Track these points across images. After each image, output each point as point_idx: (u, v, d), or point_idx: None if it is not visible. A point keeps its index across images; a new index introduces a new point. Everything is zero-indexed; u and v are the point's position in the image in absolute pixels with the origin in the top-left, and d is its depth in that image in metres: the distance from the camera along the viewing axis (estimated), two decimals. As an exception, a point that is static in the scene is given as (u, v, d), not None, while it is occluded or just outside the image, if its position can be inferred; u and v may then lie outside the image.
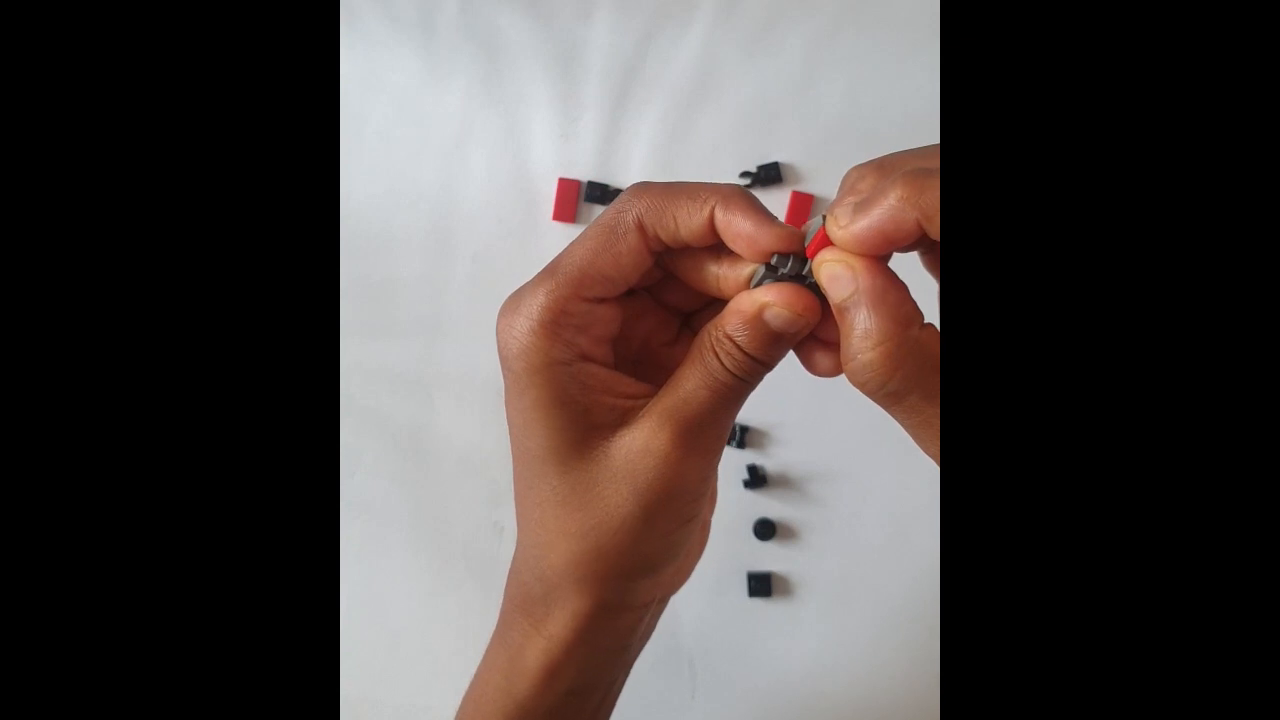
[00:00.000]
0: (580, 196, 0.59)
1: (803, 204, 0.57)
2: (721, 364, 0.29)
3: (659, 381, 0.31)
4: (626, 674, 0.37)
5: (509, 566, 0.35)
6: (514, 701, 0.33)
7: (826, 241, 0.28)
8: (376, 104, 0.61)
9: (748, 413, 0.58)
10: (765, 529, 0.57)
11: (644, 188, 0.30)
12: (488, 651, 0.35)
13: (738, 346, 0.29)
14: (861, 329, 0.26)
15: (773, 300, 0.29)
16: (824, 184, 0.57)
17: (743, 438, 0.57)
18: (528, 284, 0.30)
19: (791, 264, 0.29)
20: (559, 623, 0.32)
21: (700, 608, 0.58)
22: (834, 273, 0.27)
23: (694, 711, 0.58)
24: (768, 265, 0.29)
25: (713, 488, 0.36)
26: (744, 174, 0.58)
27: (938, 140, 0.28)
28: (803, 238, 0.29)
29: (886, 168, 0.28)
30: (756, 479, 0.57)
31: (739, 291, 0.30)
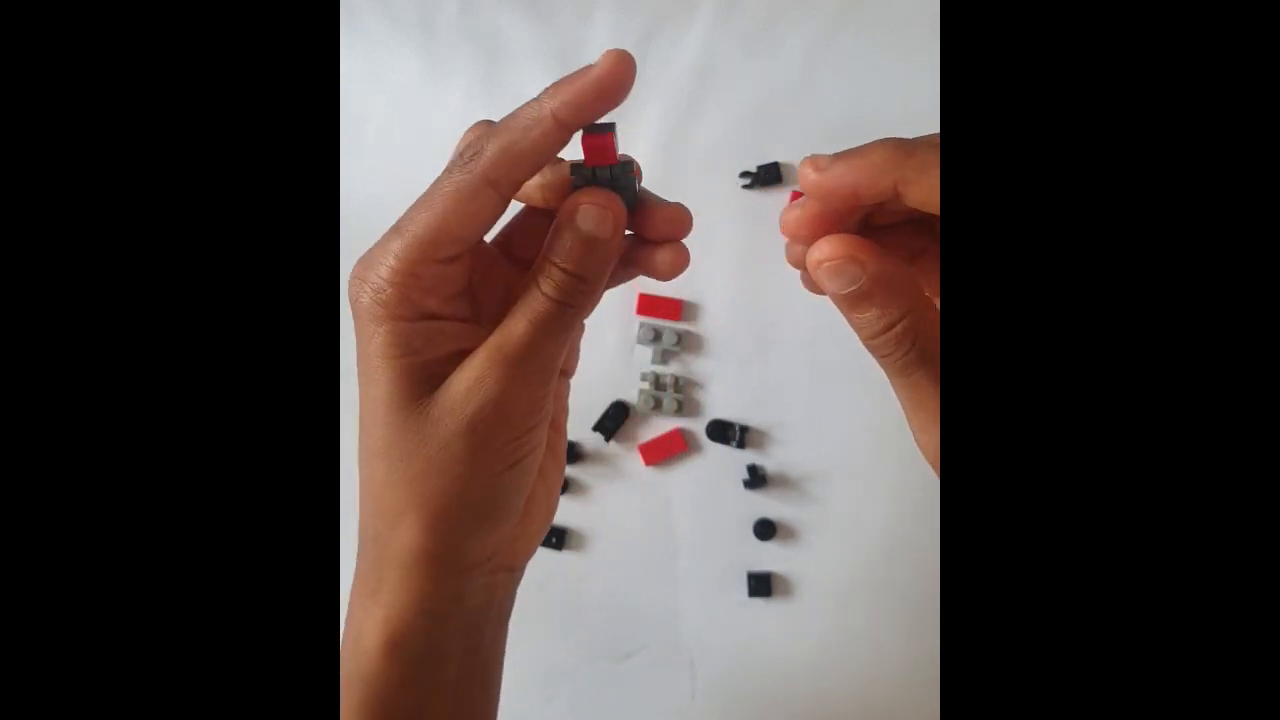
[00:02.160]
0: (580, 196, 0.59)
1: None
2: (540, 290, 0.29)
3: (487, 315, 0.31)
4: (496, 647, 0.36)
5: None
6: (363, 680, 0.32)
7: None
8: (376, 104, 0.61)
9: (748, 412, 0.58)
10: (765, 529, 0.57)
11: (480, 131, 0.30)
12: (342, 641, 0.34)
13: (554, 264, 0.29)
14: (874, 314, 0.27)
15: (580, 201, 0.29)
16: (824, 184, 0.57)
17: (743, 438, 0.57)
18: (377, 244, 0.30)
19: (605, 172, 0.30)
20: (391, 589, 0.31)
21: (700, 608, 0.58)
22: (840, 269, 0.27)
23: (694, 711, 0.58)
24: (573, 166, 0.30)
25: (558, 449, 0.36)
26: (744, 174, 0.58)
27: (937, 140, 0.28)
28: (595, 147, 0.30)
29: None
30: (756, 479, 0.57)
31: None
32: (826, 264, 0.27)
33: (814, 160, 0.28)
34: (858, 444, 0.57)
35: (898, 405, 0.30)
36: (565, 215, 0.30)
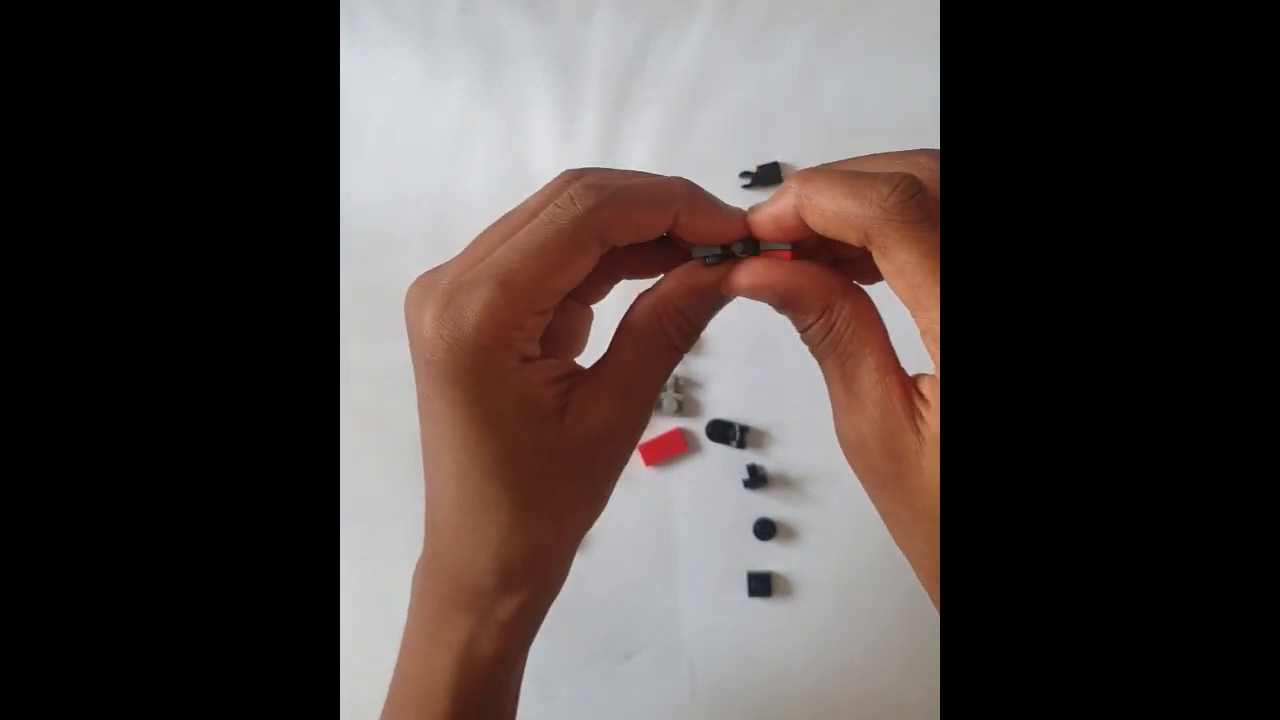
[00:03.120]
0: (580, 196, 0.59)
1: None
2: (672, 343, 0.31)
3: (549, 344, 0.31)
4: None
5: (423, 566, 0.35)
6: (466, 692, 0.33)
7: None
8: (376, 104, 0.61)
9: (748, 413, 0.58)
10: (765, 529, 0.57)
11: (598, 195, 0.29)
12: (416, 656, 0.35)
13: (686, 318, 0.31)
14: (796, 319, 0.30)
15: (737, 270, 0.30)
16: (824, 184, 0.57)
17: (743, 438, 0.57)
18: (470, 283, 0.28)
19: (752, 249, 0.31)
20: (509, 610, 0.33)
21: (700, 608, 0.58)
22: (756, 293, 0.30)
23: (694, 711, 0.58)
24: (723, 247, 0.31)
25: None
26: (744, 174, 0.58)
27: (938, 140, 0.28)
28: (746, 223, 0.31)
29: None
30: (756, 479, 0.57)
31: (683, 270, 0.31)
32: (744, 292, 0.30)
33: (753, 205, 0.30)
34: (858, 444, 0.57)
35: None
36: (708, 281, 0.31)
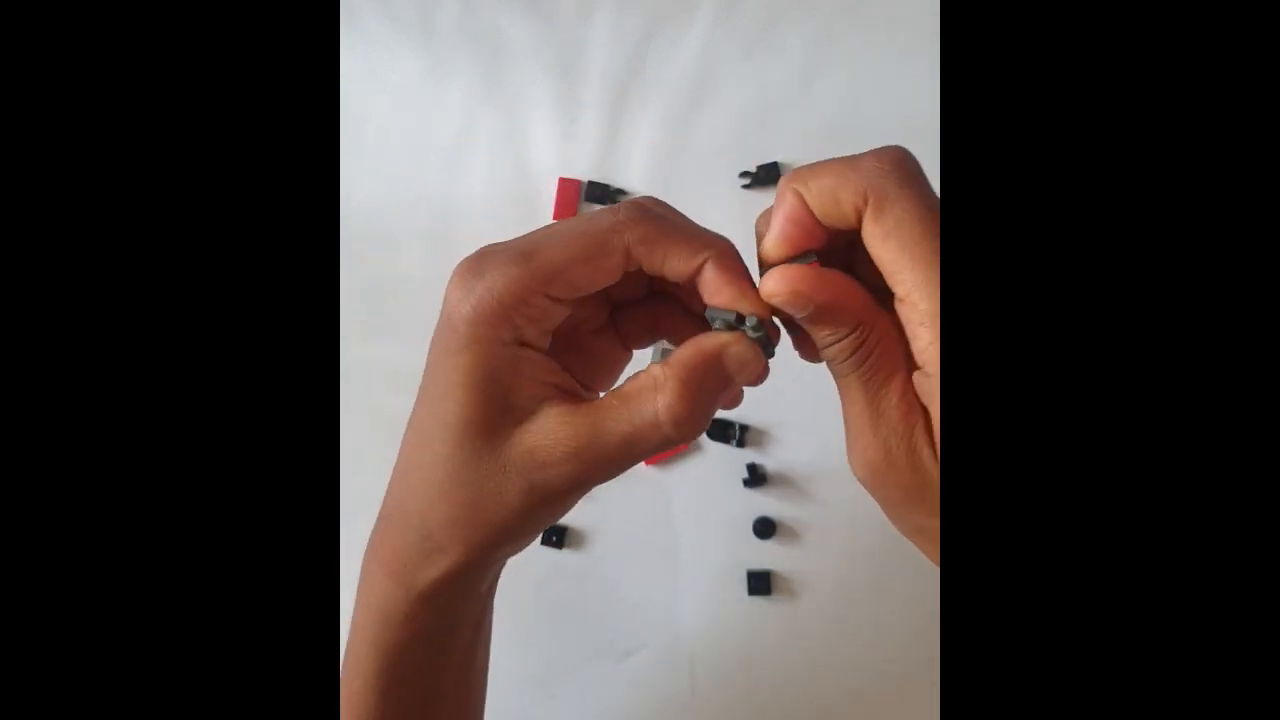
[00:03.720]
0: (580, 196, 0.59)
1: (802, 204, 0.57)
2: (658, 418, 0.30)
3: (575, 366, 0.33)
4: (490, 618, 0.39)
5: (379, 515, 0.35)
6: (383, 650, 0.34)
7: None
8: (377, 104, 0.61)
9: (748, 413, 0.58)
10: (765, 527, 0.57)
11: (643, 214, 0.31)
12: (354, 616, 0.36)
13: (689, 389, 0.30)
14: (825, 333, 0.29)
15: (735, 342, 0.30)
16: (824, 184, 0.57)
17: (743, 437, 0.57)
18: (498, 253, 0.30)
19: (761, 333, 0.30)
20: (425, 579, 0.33)
21: (700, 607, 0.58)
22: (789, 301, 0.29)
23: (694, 710, 0.58)
24: (738, 315, 0.30)
25: None
26: (744, 174, 0.58)
27: (937, 140, 0.28)
28: (769, 315, 0.31)
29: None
30: (756, 477, 0.57)
31: (697, 337, 0.31)
32: (776, 298, 0.29)
33: (761, 234, 0.30)
34: (857, 443, 0.57)
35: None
36: (713, 346, 0.30)
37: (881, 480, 0.29)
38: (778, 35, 0.59)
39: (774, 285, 0.29)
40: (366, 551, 0.36)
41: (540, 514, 0.32)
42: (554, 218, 0.59)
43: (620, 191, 0.59)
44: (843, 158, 0.29)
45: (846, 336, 0.29)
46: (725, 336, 0.30)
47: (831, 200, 0.28)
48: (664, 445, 0.30)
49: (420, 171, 0.61)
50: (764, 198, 0.58)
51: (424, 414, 0.32)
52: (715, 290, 0.30)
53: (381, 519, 0.35)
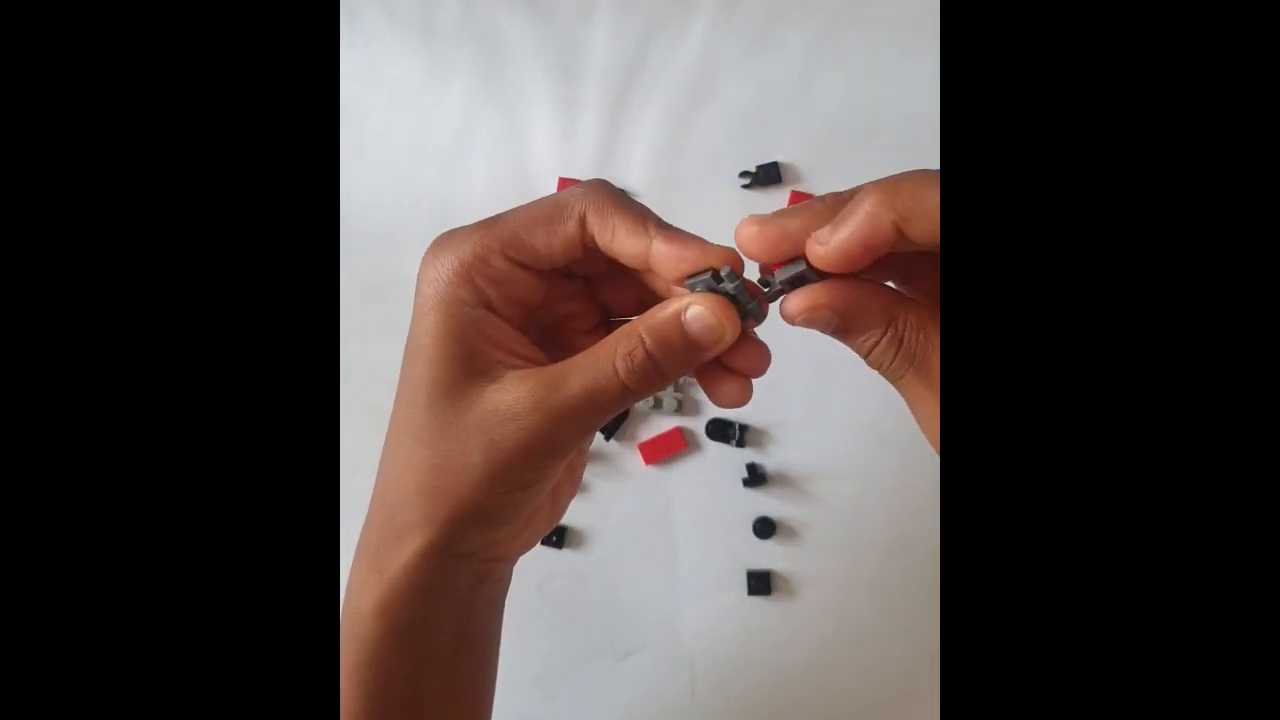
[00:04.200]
0: (580, 196, 0.59)
1: (802, 204, 0.57)
2: (614, 365, 0.30)
3: (558, 359, 0.32)
4: (490, 624, 0.37)
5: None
6: (359, 643, 0.33)
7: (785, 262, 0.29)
8: (377, 104, 0.61)
9: (748, 412, 0.58)
10: (765, 527, 0.57)
11: (600, 188, 0.31)
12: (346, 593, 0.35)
13: (644, 347, 0.30)
14: (858, 340, 0.29)
15: (699, 303, 0.29)
16: (824, 184, 0.57)
17: (742, 436, 0.57)
18: (463, 228, 0.32)
19: (736, 283, 0.29)
20: (395, 562, 0.32)
21: (700, 607, 0.58)
22: (812, 319, 0.29)
23: (694, 710, 0.58)
24: (714, 273, 0.29)
25: (576, 470, 0.37)
26: (744, 174, 0.58)
27: (937, 140, 0.28)
28: (740, 258, 0.30)
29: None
30: (756, 477, 0.57)
31: (664, 302, 0.31)
32: (799, 318, 0.29)
33: (814, 239, 0.28)
34: (858, 443, 0.57)
35: (897, 404, 0.30)
36: (676, 307, 0.30)
37: None
38: (778, 35, 0.59)
39: (801, 304, 0.29)
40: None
41: (501, 477, 0.31)
42: (554, 218, 0.59)
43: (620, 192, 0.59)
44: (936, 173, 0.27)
45: (883, 337, 0.28)
46: (688, 297, 0.30)
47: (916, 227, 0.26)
48: (623, 397, 0.30)
49: (420, 171, 0.61)
50: (764, 198, 0.58)
51: (400, 386, 0.32)
52: (675, 260, 0.30)
53: (369, 506, 0.35)
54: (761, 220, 0.29)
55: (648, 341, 0.30)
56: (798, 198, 0.57)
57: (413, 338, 0.32)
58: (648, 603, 0.58)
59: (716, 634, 0.58)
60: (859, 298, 0.28)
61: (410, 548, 0.32)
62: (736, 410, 0.58)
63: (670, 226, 0.31)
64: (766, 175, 0.57)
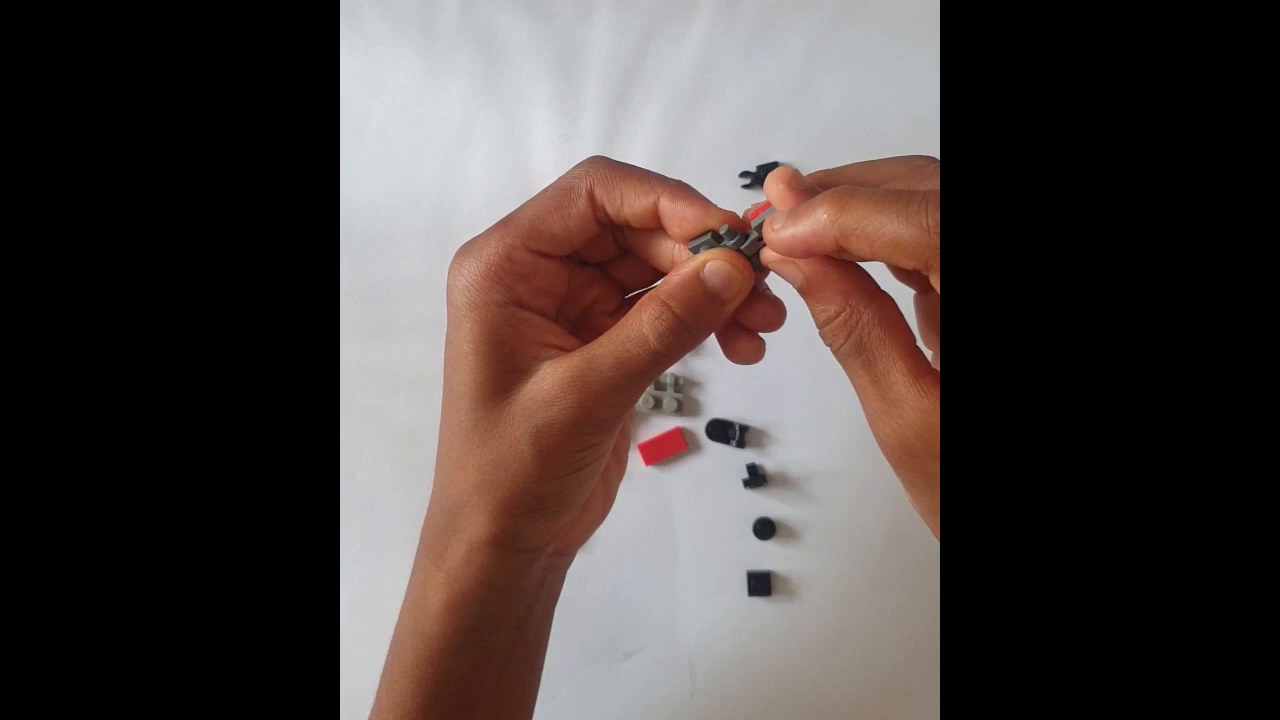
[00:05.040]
0: (580, 196, 0.59)
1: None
2: (643, 331, 0.31)
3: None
4: (543, 625, 0.38)
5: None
6: (421, 638, 0.34)
7: (766, 205, 0.31)
8: (376, 104, 0.61)
9: (748, 412, 0.58)
10: (765, 528, 0.57)
11: (599, 161, 0.33)
12: (403, 603, 0.36)
13: (670, 310, 0.31)
14: (817, 307, 0.30)
15: (714, 257, 0.31)
16: (824, 184, 0.57)
17: (743, 437, 0.57)
18: (482, 233, 0.33)
19: (736, 238, 0.31)
20: (457, 557, 0.33)
21: (700, 607, 0.58)
22: (780, 268, 0.30)
23: (694, 711, 0.58)
24: (714, 234, 0.31)
25: (622, 453, 0.39)
26: (744, 174, 0.58)
27: (937, 140, 0.28)
28: (741, 219, 0.32)
29: (839, 174, 0.32)
30: (756, 478, 0.57)
31: (676, 266, 0.32)
32: (773, 264, 0.31)
33: (770, 220, 0.30)
34: (858, 444, 0.57)
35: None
36: (693, 266, 0.31)
37: (900, 462, 0.29)
38: (778, 35, 0.59)
39: (769, 256, 0.30)
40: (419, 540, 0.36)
41: (551, 462, 0.32)
42: (554, 218, 0.59)
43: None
44: (897, 196, 0.26)
45: (836, 316, 0.29)
46: (703, 254, 0.31)
47: (888, 251, 0.26)
48: (656, 362, 0.31)
49: (420, 172, 0.61)
50: (764, 198, 0.58)
51: (445, 394, 0.33)
52: (679, 219, 0.31)
53: (428, 506, 0.36)
54: (796, 185, 0.30)
55: (673, 305, 0.31)
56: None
57: (451, 346, 0.33)
58: (648, 603, 0.58)
59: (716, 634, 0.58)
60: (825, 269, 0.29)
61: (475, 545, 0.33)
62: (737, 411, 0.58)
63: (674, 182, 0.32)
64: (766, 175, 0.57)
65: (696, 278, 0.31)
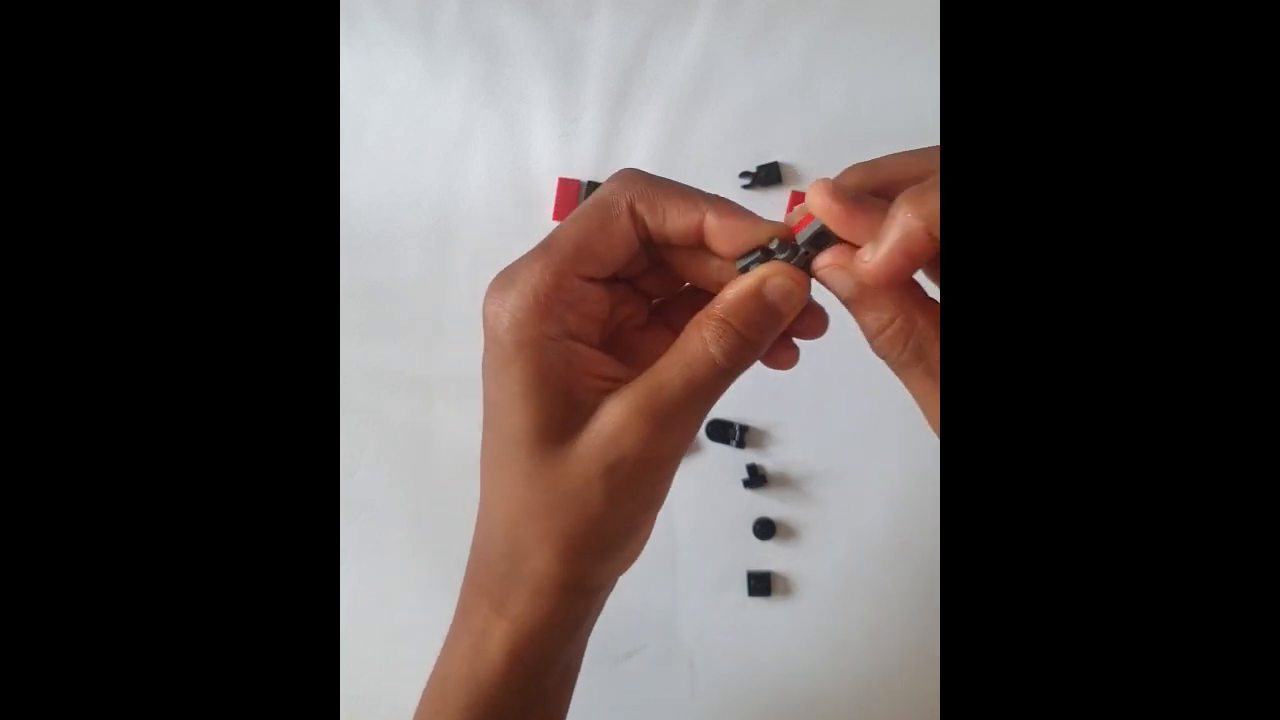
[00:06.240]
0: (580, 196, 0.59)
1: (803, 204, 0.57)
2: (709, 350, 0.30)
3: (628, 362, 0.32)
4: (582, 654, 0.37)
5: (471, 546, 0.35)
6: (477, 685, 0.33)
7: (809, 217, 0.30)
8: (376, 105, 0.61)
9: (748, 412, 0.58)
10: (765, 528, 0.57)
11: (637, 175, 0.31)
12: (449, 636, 0.35)
13: (732, 327, 0.30)
14: (870, 317, 0.29)
15: (775, 273, 0.30)
16: (824, 184, 0.57)
17: (743, 437, 0.57)
18: (520, 260, 0.31)
19: (787, 251, 0.30)
20: (521, 604, 0.32)
21: (700, 607, 0.58)
22: (833, 275, 0.29)
23: (694, 711, 0.58)
24: (764, 250, 0.30)
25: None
26: (744, 174, 0.58)
27: (937, 140, 0.28)
28: (789, 229, 0.31)
29: (876, 168, 0.30)
30: (756, 478, 0.57)
31: (730, 279, 0.31)
32: (823, 270, 0.30)
33: (859, 257, 0.28)
34: (858, 444, 0.57)
35: (897, 405, 0.30)
36: (752, 282, 0.30)
37: None
38: (778, 35, 0.59)
39: (825, 258, 0.29)
40: (464, 583, 0.35)
41: (624, 498, 0.30)
42: (554, 218, 0.59)
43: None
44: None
45: (893, 322, 0.28)
46: (760, 270, 0.30)
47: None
48: (721, 379, 0.30)
49: (420, 172, 0.61)
50: (764, 198, 0.58)
51: (493, 437, 0.32)
52: (728, 236, 0.30)
53: (473, 552, 0.34)
54: (840, 196, 0.29)
55: (734, 321, 0.30)
56: (798, 198, 0.57)
57: (499, 389, 0.31)
58: (648, 603, 0.58)
59: (716, 634, 0.58)
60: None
61: (542, 590, 0.31)
62: (736, 411, 0.58)
63: (718, 198, 0.31)
64: (766, 175, 0.57)
65: (758, 293, 0.30)
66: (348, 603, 0.56)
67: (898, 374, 0.29)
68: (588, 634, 0.36)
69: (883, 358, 0.29)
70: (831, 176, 0.30)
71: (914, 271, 0.28)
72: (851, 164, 0.31)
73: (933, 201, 0.26)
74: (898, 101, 0.58)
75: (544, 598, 0.32)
